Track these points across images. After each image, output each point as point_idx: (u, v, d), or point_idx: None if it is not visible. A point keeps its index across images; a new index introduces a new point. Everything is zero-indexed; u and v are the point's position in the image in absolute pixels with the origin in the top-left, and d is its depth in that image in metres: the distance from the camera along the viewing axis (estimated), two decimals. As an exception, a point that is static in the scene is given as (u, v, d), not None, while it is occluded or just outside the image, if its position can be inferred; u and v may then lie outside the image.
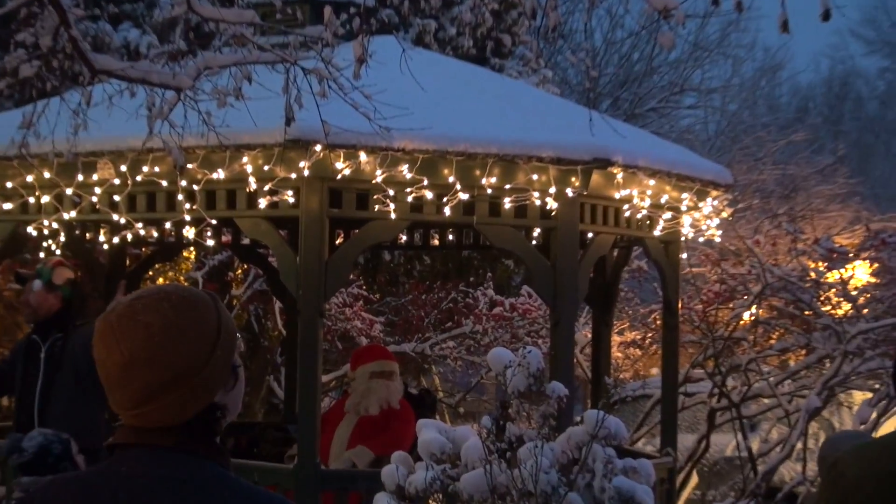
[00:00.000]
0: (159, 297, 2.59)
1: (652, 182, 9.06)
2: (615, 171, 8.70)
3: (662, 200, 9.32)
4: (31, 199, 8.99)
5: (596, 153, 8.47)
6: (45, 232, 9.19)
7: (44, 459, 5.21)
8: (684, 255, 10.86)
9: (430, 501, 5.92)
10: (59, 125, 7.46)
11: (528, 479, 5.49)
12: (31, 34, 6.46)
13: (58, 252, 9.44)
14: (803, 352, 14.86)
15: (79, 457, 5.34)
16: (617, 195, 8.93)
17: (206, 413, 2.59)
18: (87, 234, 10.96)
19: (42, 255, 8.97)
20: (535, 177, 8.38)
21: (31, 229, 9.19)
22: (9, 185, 9.01)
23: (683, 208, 9.72)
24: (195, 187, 8.33)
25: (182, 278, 18.38)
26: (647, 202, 9.14)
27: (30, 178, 8.77)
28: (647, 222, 9.50)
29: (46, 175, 8.67)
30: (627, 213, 9.19)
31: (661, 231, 9.59)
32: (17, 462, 5.37)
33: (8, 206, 9.10)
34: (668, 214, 9.58)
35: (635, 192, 9.01)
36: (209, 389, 2.58)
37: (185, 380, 2.53)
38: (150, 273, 15.89)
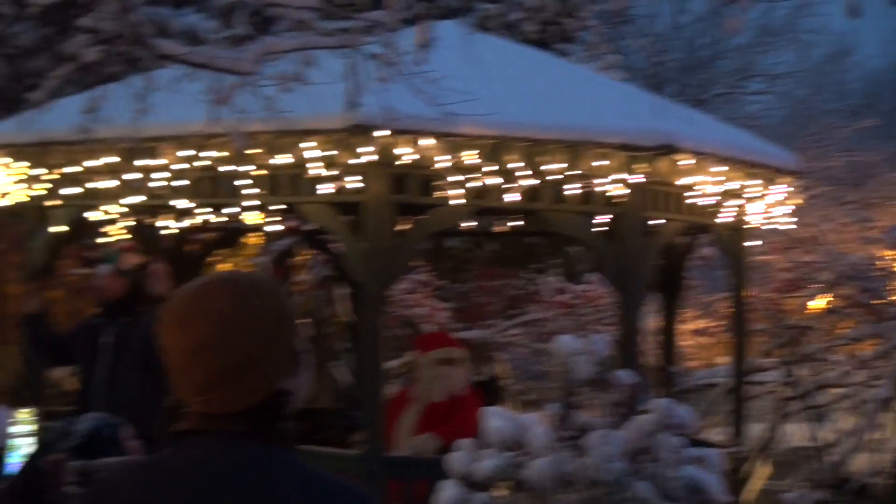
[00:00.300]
0: (224, 283, 2.59)
1: (719, 168, 8.97)
2: (682, 157, 8.61)
3: (730, 187, 9.22)
4: (96, 184, 9.02)
5: (662, 139, 8.40)
6: (109, 217, 9.22)
7: (93, 443, 5.22)
8: (752, 243, 10.74)
9: (497, 489, 5.89)
10: (121, 110, 7.48)
11: (596, 467, 5.45)
12: (93, 19, 6.46)
13: (124, 237, 9.49)
14: (874, 341, 14.68)
15: (131, 442, 5.34)
16: (683, 182, 8.84)
17: (273, 399, 2.59)
18: (150, 220, 11.01)
19: (109, 239, 9.01)
20: (600, 163, 8.31)
21: (94, 214, 9.22)
22: (73, 169, 9.04)
23: (751, 195, 9.61)
24: (258, 172, 8.33)
25: (245, 264, 18.46)
26: (714, 189, 9.04)
27: (94, 163, 8.80)
28: (715, 209, 9.40)
29: (110, 160, 8.70)
30: (694, 200, 9.10)
31: (729, 218, 9.49)
32: (68, 446, 5.39)
33: (72, 190, 9.13)
34: (735, 201, 9.47)
35: (702, 179, 8.92)
36: (275, 375, 2.58)
37: (251, 365, 2.53)
38: (213, 258, 15.96)
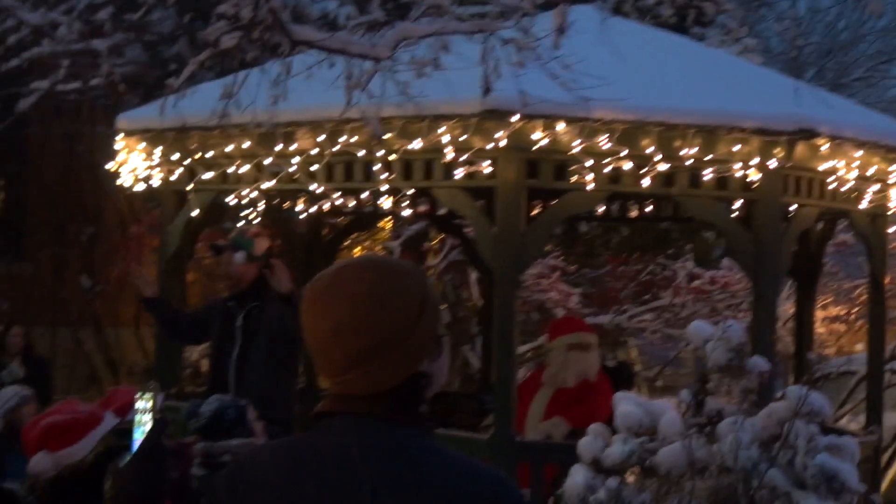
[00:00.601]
0: (365, 265, 2.63)
1: (859, 153, 8.83)
2: (820, 141, 8.50)
3: (870, 172, 9.07)
4: (231, 169, 9.17)
5: (800, 123, 8.30)
6: (244, 201, 9.36)
7: (218, 424, 5.31)
8: (893, 229, 10.56)
9: (627, 474, 5.89)
10: (258, 96, 7.59)
11: (728, 454, 5.42)
12: (231, 6, 6.56)
13: (252, 221, 9.62)
14: None
15: (257, 423, 5.42)
16: (822, 167, 8.72)
17: (412, 382, 2.61)
18: (285, 204, 11.15)
19: (238, 224, 9.15)
20: (736, 148, 8.23)
21: (230, 199, 9.38)
22: (210, 154, 9.21)
23: (892, 180, 9.45)
24: (392, 157, 8.40)
25: (379, 248, 18.61)
26: (854, 174, 8.91)
27: (230, 148, 8.95)
28: (854, 195, 9.25)
29: (246, 145, 8.84)
30: (833, 186, 8.97)
31: (868, 204, 9.34)
32: (194, 427, 5.50)
33: (209, 175, 9.29)
34: (875, 186, 9.32)
35: (841, 164, 8.79)
36: (414, 358, 2.60)
37: (391, 347, 2.56)
38: (347, 242, 16.12)
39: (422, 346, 2.61)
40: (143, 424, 3.84)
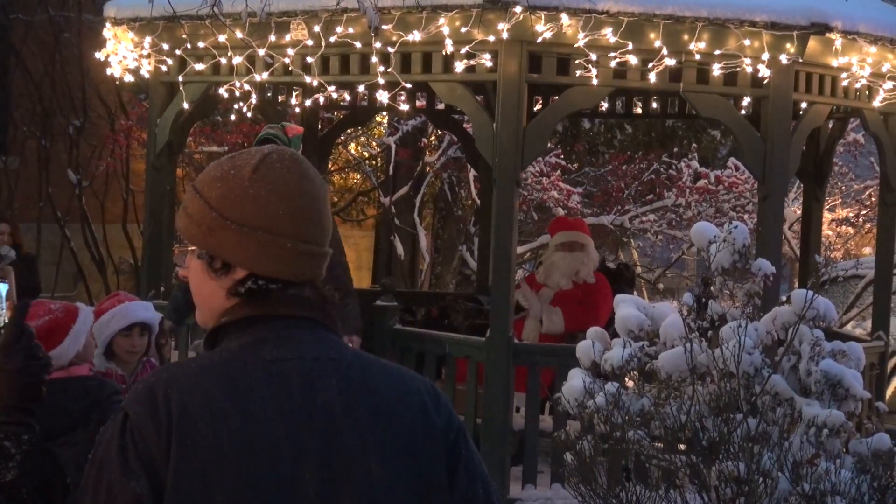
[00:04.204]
0: (288, 153, 2.57)
1: (873, 49, 8.78)
2: (833, 36, 8.44)
3: (884, 69, 9.02)
4: (223, 60, 9.11)
5: (813, 17, 8.24)
6: (237, 94, 9.32)
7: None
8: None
9: (627, 379, 5.93)
10: (252, -16, 7.54)
11: (730, 359, 5.45)
12: None
13: (289, 120, 9.52)
14: None
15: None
16: (834, 63, 8.67)
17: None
18: (279, 97, 11.12)
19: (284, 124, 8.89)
20: (746, 42, 8.19)
21: (222, 91, 9.34)
22: (201, 45, 9.14)
23: (907, 78, 9.40)
24: (390, 50, 8.35)
25: (374, 144, 18.59)
26: (867, 71, 8.86)
27: (222, 39, 8.89)
28: (867, 92, 9.22)
29: (239, 35, 8.78)
30: (845, 83, 8.94)
31: (882, 102, 9.30)
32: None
33: (200, 66, 9.24)
34: (889, 84, 9.27)
35: (854, 60, 8.74)
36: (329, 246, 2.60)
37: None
38: (342, 138, 16.11)
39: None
40: (3, 316, 3.83)
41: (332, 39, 8.49)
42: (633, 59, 8.12)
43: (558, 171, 17.21)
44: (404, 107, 10.60)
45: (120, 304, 6.19)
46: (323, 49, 8.58)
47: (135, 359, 6.16)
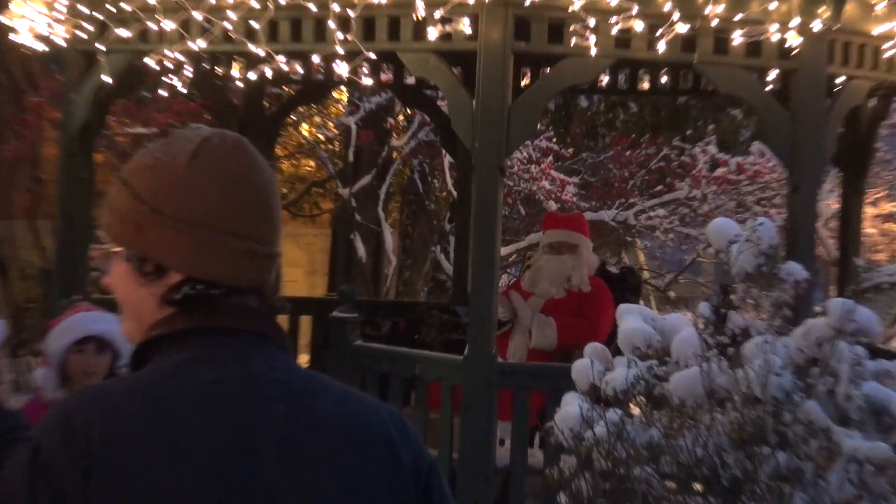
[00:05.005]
0: (231, 136, 2.58)
1: (922, 13, 8.84)
2: (875, -1, 8.51)
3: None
4: (152, 26, 9.09)
5: (851, -24, 8.30)
6: (168, 65, 9.30)
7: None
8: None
9: (632, 405, 5.93)
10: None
11: (755, 381, 5.46)
12: None
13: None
14: None
15: None
16: (876, 30, 8.72)
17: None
18: (219, 69, 11.10)
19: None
20: (772, 6, 8.22)
21: (150, 61, 9.30)
22: (125, 6, 9.12)
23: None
24: (350, 13, 8.35)
25: (331, 125, 18.58)
26: (915, 39, 8.92)
27: (151, 0, 8.88)
28: (915, 64, 9.28)
29: (170, -5, 8.77)
30: (889, 54, 8.98)
31: (932, 76, 9.37)
32: None
33: (124, 33, 9.21)
34: (942, 54, 9.34)
35: (900, 26, 8.80)
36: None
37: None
38: (293, 118, 16.10)
39: None
40: None
41: (282, 1, 8.49)
42: (638, 25, 8.14)
43: (550, 158, 17.26)
44: (367, 81, 10.59)
45: (74, 314, 6.15)
46: (271, 12, 8.57)
47: (92, 382, 5.89)
